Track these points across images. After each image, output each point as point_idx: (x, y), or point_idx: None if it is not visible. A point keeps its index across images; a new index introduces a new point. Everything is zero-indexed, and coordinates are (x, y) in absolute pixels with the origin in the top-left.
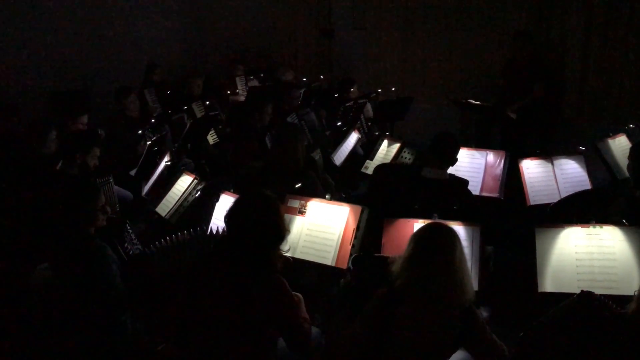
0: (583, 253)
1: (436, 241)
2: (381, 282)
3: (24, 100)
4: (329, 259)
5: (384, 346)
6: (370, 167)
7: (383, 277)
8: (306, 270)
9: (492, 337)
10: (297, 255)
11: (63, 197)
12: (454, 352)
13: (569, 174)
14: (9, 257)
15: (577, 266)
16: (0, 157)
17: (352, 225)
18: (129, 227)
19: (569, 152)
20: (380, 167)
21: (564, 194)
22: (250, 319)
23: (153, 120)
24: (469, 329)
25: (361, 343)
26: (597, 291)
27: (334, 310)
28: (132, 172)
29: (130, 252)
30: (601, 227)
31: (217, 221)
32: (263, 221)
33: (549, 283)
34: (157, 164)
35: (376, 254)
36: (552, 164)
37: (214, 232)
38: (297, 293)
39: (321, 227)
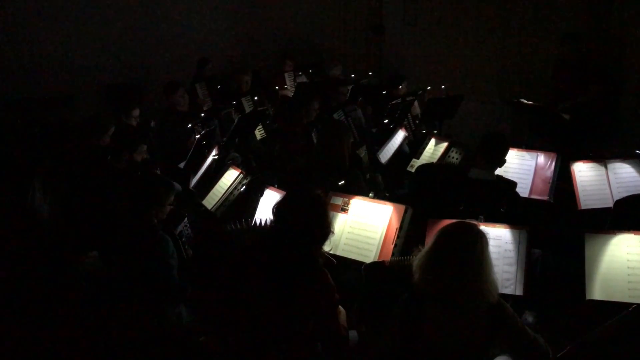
0: (635, 261)
1: (456, 238)
2: (396, 288)
3: (81, 92)
4: (370, 258)
5: (416, 349)
6: (416, 165)
7: (399, 283)
8: (347, 269)
9: (528, 333)
10: (339, 253)
11: (138, 192)
12: (487, 350)
13: (623, 178)
14: (58, 245)
15: (628, 274)
16: (54, 147)
17: (395, 225)
18: (186, 221)
19: (624, 155)
20: (422, 167)
21: (617, 199)
22: (293, 312)
23: (202, 115)
24: (498, 325)
25: (394, 349)
26: None
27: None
28: (181, 165)
29: (186, 247)
30: None
31: (261, 216)
32: (310, 219)
33: (598, 291)
34: (205, 158)
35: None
36: (606, 167)
37: (258, 225)
38: (340, 308)
39: (364, 225)
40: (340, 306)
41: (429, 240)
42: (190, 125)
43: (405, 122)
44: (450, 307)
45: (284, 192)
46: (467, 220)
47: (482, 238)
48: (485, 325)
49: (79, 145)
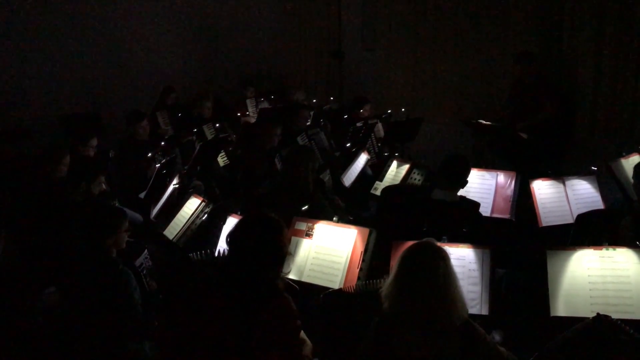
0: (596, 276)
1: (418, 261)
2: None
3: (37, 123)
4: (336, 283)
5: None
6: (379, 188)
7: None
8: (313, 295)
9: (500, 350)
10: (304, 279)
11: (90, 224)
12: None
13: (581, 194)
14: (16, 280)
15: (590, 289)
16: (11, 180)
17: (360, 248)
18: (147, 253)
19: (581, 172)
20: (388, 189)
21: (576, 215)
22: (256, 341)
23: (163, 143)
24: (469, 344)
25: None
26: (612, 315)
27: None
28: (142, 195)
29: (148, 280)
30: (614, 249)
31: (224, 244)
32: (261, 242)
33: (562, 307)
34: (166, 187)
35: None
36: (564, 184)
37: (221, 255)
38: (305, 338)
39: (328, 250)
40: (306, 339)
41: (395, 262)
42: (150, 154)
43: (369, 145)
44: (421, 329)
45: None
46: (425, 240)
47: (442, 255)
48: (457, 344)
49: (34, 177)
